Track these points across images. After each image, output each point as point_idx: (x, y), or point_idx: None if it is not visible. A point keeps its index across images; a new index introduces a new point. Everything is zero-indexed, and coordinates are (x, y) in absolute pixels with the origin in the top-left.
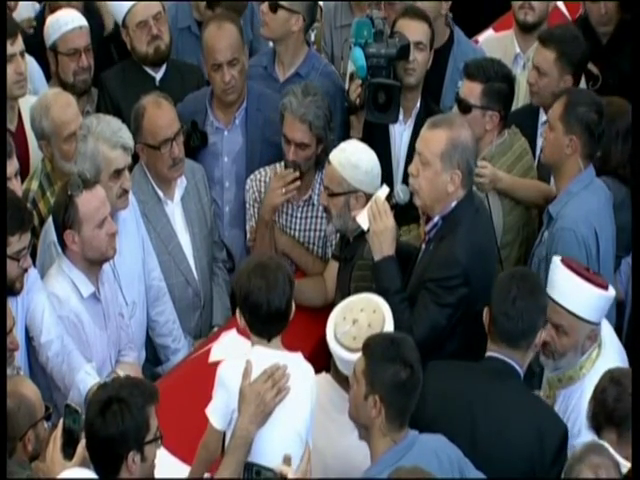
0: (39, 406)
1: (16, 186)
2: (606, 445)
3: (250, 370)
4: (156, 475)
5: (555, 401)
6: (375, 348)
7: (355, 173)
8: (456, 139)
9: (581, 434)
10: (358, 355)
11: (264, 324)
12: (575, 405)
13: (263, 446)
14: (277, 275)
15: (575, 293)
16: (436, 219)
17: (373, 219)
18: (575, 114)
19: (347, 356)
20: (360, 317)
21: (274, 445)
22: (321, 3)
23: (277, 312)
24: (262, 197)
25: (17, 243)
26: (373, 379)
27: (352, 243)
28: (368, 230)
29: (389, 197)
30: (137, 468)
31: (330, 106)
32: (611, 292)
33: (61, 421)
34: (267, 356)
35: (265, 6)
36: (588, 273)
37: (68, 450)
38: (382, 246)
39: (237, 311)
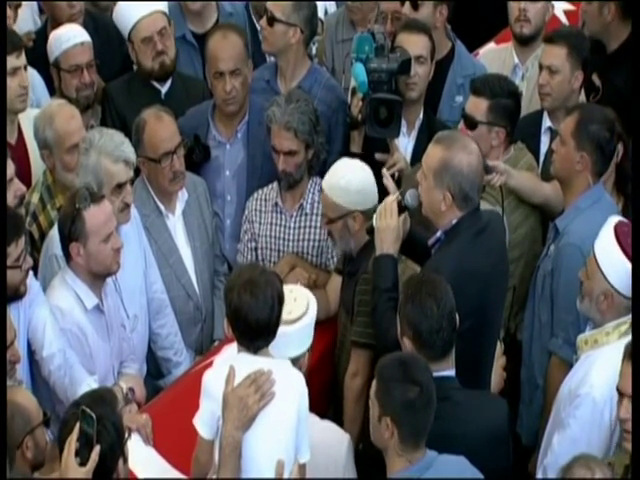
0: (36, 412)
1: (19, 185)
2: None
3: (233, 376)
4: None
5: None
6: (385, 370)
7: (347, 196)
8: (448, 161)
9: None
10: (303, 321)
11: (251, 340)
12: (585, 374)
13: (249, 452)
14: (266, 292)
15: (606, 249)
16: (439, 234)
17: (378, 216)
18: (587, 131)
19: (292, 328)
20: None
21: (261, 451)
22: (322, 17)
23: (265, 329)
24: (257, 215)
25: (15, 250)
26: (383, 401)
27: (356, 258)
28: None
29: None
30: (122, 471)
31: (317, 110)
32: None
33: (77, 426)
34: (252, 362)
35: (263, 21)
36: (627, 244)
37: (84, 454)
38: (382, 243)
39: (225, 320)
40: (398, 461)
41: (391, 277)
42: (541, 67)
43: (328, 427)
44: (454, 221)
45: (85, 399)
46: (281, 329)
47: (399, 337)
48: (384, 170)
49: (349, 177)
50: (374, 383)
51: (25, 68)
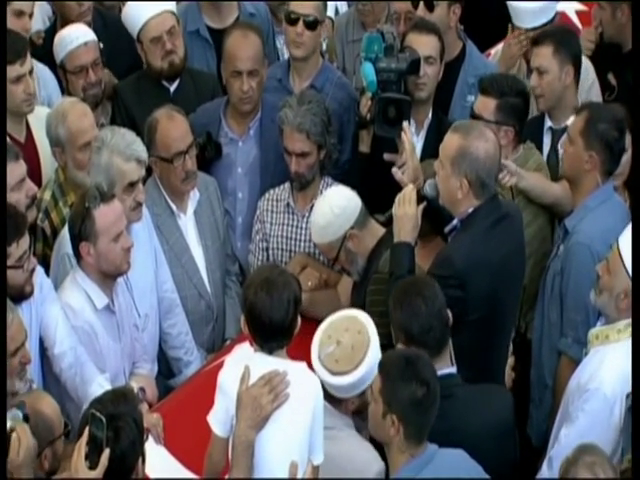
0: (58, 423)
1: (30, 185)
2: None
3: (248, 375)
4: None
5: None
6: (391, 368)
7: (332, 227)
8: (466, 149)
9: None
10: (341, 380)
11: (266, 340)
12: (594, 369)
13: (262, 452)
14: (282, 294)
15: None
16: (455, 222)
17: (397, 204)
18: (596, 131)
19: (329, 379)
20: (344, 338)
21: (273, 451)
22: (332, 17)
23: (279, 330)
24: (269, 216)
25: (16, 250)
26: (390, 399)
27: (365, 263)
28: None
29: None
30: (140, 471)
31: (328, 110)
32: None
33: (87, 429)
34: (267, 363)
35: (301, 26)
36: None
37: (93, 458)
38: (400, 231)
39: (242, 318)
40: (402, 456)
41: (407, 265)
42: (531, 70)
43: (365, 446)
44: (470, 210)
45: (107, 396)
46: (320, 374)
47: (394, 344)
48: (394, 169)
49: (321, 213)
50: (377, 380)
51: (30, 73)
